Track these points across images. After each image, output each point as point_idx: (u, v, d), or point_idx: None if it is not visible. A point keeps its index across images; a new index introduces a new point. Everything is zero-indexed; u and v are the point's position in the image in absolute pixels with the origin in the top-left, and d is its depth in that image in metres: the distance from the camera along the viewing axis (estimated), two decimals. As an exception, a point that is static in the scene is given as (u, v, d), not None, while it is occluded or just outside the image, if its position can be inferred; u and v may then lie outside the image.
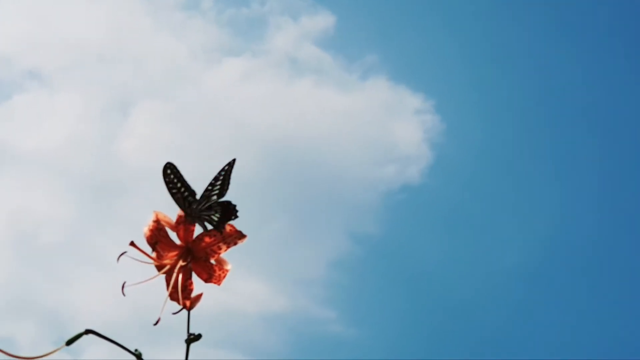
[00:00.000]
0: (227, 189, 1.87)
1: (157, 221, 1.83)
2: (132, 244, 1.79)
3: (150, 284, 1.85)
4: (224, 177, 1.88)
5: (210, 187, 1.86)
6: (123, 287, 1.78)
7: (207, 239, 1.81)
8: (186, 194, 1.83)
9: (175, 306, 1.83)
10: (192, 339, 1.79)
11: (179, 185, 1.83)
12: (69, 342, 1.70)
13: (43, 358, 1.69)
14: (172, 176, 1.83)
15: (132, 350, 1.74)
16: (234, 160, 1.89)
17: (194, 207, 1.82)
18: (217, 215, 1.83)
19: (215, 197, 1.85)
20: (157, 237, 1.83)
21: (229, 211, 1.84)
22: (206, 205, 1.83)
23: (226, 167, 1.89)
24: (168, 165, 1.84)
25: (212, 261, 1.84)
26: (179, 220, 1.84)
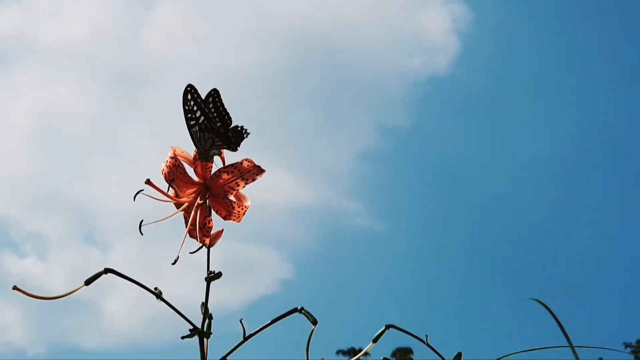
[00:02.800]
0: (230, 120, 1.81)
1: (174, 157, 1.78)
2: (148, 182, 1.75)
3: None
4: (215, 109, 1.80)
5: (195, 122, 1.78)
6: (140, 225, 1.75)
7: (224, 176, 1.75)
8: (202, 119, 1.76)
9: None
10: (212, 277, 1.77)
11: (197, 114, 1.76)
12: (88, 282, 1.69)
13: (64, 297, 1.69)
14: (191, 102, 1.76)
15: (152, 289, 1.73)
16: (215, 90, 1.82)
17: (207, 145, 1.76)
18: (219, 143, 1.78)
19: (222, 130, 1.79)
20: (174, 173, 1.78)
21: (240, 134, 1.79)
22: (216, 140, 1.76)
23: (210, 99, 1.81)
24: (189, 88, 1.76)
25: (231, 198, 1.79)
26: (197, 157, 1.78)
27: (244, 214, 1.81)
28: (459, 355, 2.15)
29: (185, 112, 1.77)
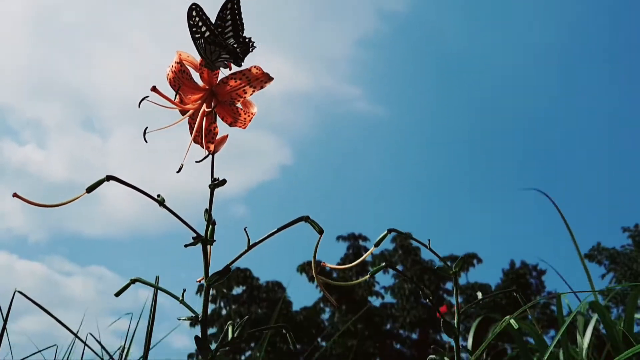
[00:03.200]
0: (243, 28, 1.75)
1: (180, 62, 1.72)
2: (153, 89, 1.70)
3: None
4: (232, 16, 1.75)
5: (220, 31, 1.74)
6: (145, 132, 1.70)
7: (232, 83, 1.70)
8: (208, 34, 1.71)
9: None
10: (216, 184, 1.74)
11: (203, 29, 1.70)
12: (90, 189, 1.66)
13: (66, 204, 1.67)
14: (196, 19, 1.70)
15: (154, 196, 1.70)
16: (195, 4, 1.73)
17: (212, 57, 1.71)
18: (225, 55, 1.73)
19: (232, 40, 1.74)
20: (180, 79, 1.72)
21: (246, 47, 1.74)
22: (223, 53, 1.71)
23: (229, 5, 1.76)
24: (193, 6, 1.70)
25: (238, 105, 1.74)
26: (203, 62, 1.72)
27: (250, 120, 1.76)
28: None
29: (190, 26, 1.71)
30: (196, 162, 1.71)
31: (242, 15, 1.74)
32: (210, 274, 1.75)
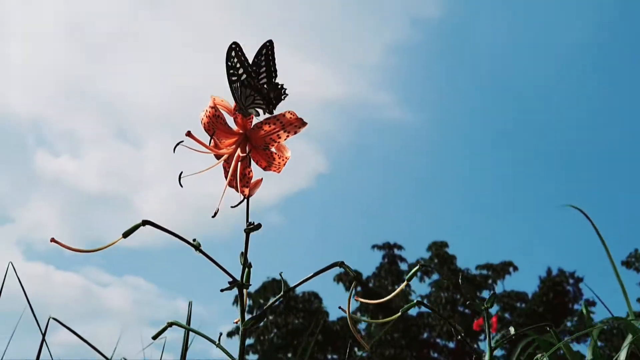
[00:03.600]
0: (276, 75, 1.76)
1: (214, 107, 1.73)
2: (189, 134, 1.70)
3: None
4: (266, 62, 1.76)
5: (255, 75, 1.74)
6: (180, 177, 1.71)
7: (266, 127, 1.70)
8: (244, 77, 1.71)
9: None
10: (251, 228, 1.73)
11: (240, 71, 1.70)
12: (126, 234, 1.67)
13: (103, 249, 1.68)
14: (235, 59, 1.71)
15: (190, 240, 1.70)
16: (270, 41, 1.77)
17: (247, 102, 1.71)
18: (259, 101, 1.74)
19: (264, 89, 1.74)
20: (214, 124, 1.73)
21: (279, 94, 1.75)
22: (257, 98, 1.71)
23: (264, 51, 1.77)
24: (233, 45, 1.71)
25: (272, 149, 1.74)
26: (237, 107, 1.73)
27: (284, 164, 1.76)
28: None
29: (228, 67, 1.71)
30: (232, 207, 1.72)
31: (276, 61, 1.75)
32: (246, 317, 1.75)
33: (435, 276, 30.48)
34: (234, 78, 1.71)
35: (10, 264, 2.27)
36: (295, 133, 1.69)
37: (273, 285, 29.60)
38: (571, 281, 30.88)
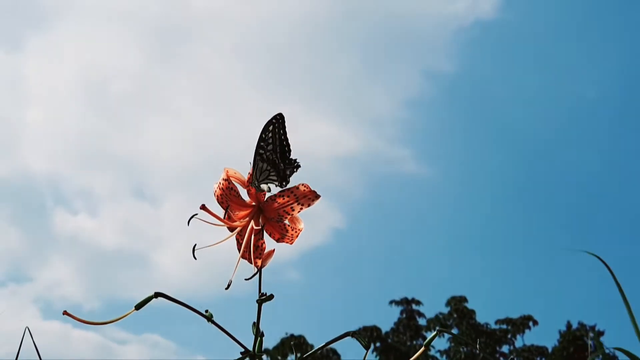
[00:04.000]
0: (289, 150, 1.76)
1: (227, 179, 1.75)
2: (203, 207, 1.72)
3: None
4: (278, 138, 1.74)
5: (263, 152, 1.73)
6: (194, 250, 1.72)
7: (279, 200, 1.71)
8: (270, 151, 1.73)
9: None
10: (264, 299, 1.74)
11: (270, 146, 1.72)
12: (138, 307, 1.68)
13: (115, 321, 1.69)
14: (270, 133, 1.72)
15: (203, 312, 1.71)
16: (280, 115, 1.74)
17: (261, 176, 1.73)
18: (274, 176, 1.75)
19: (281, 164, 1.75)
20: (227, 196, 1.75)
21: (292, 171, 1.75)
22: (272, 173, 1.73)
23: (272, 126, 1.74)
24: (278, 117, 1.72)
25: (285, 222, 1.75)
26: (250, 180, 1.74)
27: (297, 236, 1.77)
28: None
29: (260, 139, 1.72)
30: (245, 279, 1.72)
31: (287, 135, 1.75)
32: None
33: (454, 331, 30.13)
34: (261, 151, 1.72)
35: (26, 329, 2.27)
36: (309, 206, 1.71)
37: (292, 341, 29.35)
38: (591, 335, 30.42)
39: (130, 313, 1.67)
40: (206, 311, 1.72)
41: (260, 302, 1.74)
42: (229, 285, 1.72)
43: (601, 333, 30.40)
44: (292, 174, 1.75)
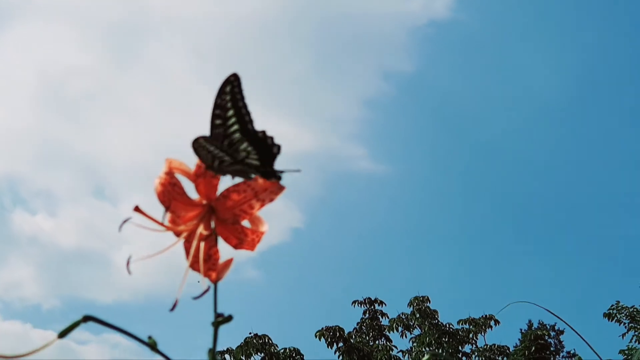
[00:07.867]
0: (250, 119, 1.35)
1: (170, 173, 1.38)
2: (136, 209, 1.36)
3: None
4: (233, 104, 1.33)
5: (220, 122, 1.33)
6: (128, 263, 1.37)
7: (234, 196, 1.36)
8: (233, 130, 1.34)
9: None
10: (220, 321, 1.40)
11: (229, 113, 1.32)
12: (62, 334, 1.34)
13: (35, 352, 1.35)
14: (228, 97, 1.32)
15: (144, 339, 1.37)
16: (235, 75, 1.33)
17: (238, 156, 1.35)
18: (255, 156, 1.36)
19: (237, 135, 1.35)
20: (170, 194, 1.38)
21: (268, 147, 1.37)
22: (253, 154, 1.35)
23: (230, 86, 1.33)
24: (232, 78, 1.32)
25: (243, 223, 1.41)
26: (199, 172, 1.38)
27: (259, 241, 1.42)
28: None
29: (216, 105, 1.32)
30: (193, 298, 1.37)
31: (246, 101, 1.34)
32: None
33: (416, 331, 29.97)
34: (217, 122, 1.33)
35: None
36: (272, 201, 1.36)
37: (256, 341, 28.92)
38: (552, 333, 30.53)
39: (53, 342, 1.33)
40: (149, 338, 1.38)
41: (216, 324, 1.40)
42: (174, 306, 1.37)
43: (561, 332, 30.52)
44: (279, 152, 1.36)
